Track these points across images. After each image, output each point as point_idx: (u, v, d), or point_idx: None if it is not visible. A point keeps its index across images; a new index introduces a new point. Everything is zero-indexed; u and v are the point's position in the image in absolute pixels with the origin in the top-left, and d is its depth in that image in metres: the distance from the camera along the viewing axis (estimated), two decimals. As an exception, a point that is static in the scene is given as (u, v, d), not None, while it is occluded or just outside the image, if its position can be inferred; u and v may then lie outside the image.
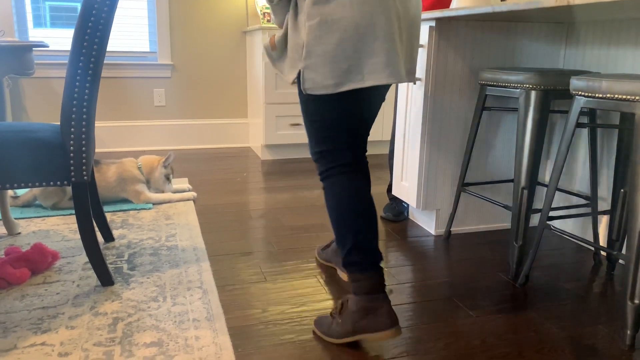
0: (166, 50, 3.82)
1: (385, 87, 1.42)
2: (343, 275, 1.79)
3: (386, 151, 3.90)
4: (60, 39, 3.67)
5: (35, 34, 3.64)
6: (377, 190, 2.92)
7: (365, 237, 1.35)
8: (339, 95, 1.31)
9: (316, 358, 1.35)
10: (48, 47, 1.85)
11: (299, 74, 1.32)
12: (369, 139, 3.89)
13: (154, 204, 2.58)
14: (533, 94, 1.78)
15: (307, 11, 1.25)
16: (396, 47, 1.28)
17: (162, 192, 2.67)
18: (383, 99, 1.45)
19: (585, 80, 1.51)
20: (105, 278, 1.70)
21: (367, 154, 3.98)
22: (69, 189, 2.45)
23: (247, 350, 1.37)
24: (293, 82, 1.35)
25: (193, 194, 2.68)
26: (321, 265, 1.90)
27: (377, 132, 3.81)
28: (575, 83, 1.55)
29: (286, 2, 1.33)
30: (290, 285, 1.75)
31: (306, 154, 3.78)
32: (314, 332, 1.47)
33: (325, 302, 1.64)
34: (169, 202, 2.61)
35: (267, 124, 3.56)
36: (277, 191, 2.88)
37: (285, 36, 1.35)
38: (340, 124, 1.37)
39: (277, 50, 1.37)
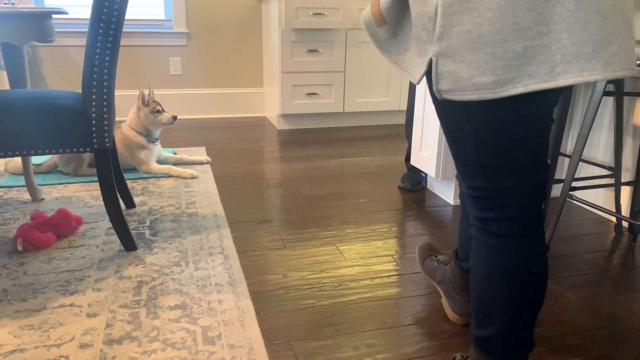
0: (181, 18, 3.78)
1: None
2: (446, 308, 1.27)
3: (402, 121, 3.87)
4: (74, 7, 3.65)
5: (50, 1, 3.62)
6: (395, 160, 2.91)
7: (518, 325, 0.95)
8: (505, 100, 0.78)
9: (336, 322, 1.37)
10: (67, 13, 1.84)
11: (430, 65, 0.82)
12: (385, 108, 3.85)
13: (154, 174, 2.53)
14: (559, 61, 1.73)
15: None
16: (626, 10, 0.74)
17: (163, 123, 2.51)
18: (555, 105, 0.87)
19: (615, 46, 1.47)
20: (129, 243, 1.73)
21: (382, 124, 3.55)
22: (87, 155, 2.47)
23: (269, 314, 1.40)
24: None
25: (192, 172, 2.51)
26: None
27: (394, 101, 3.77)
28: (604, 49, 1.51)
29: None
30: (309, 252, 1.77)
31: (322, 123, 3.76)
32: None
33: (344, 269, 1.66)
34: (168, 174, 2.52)
35: (283, 93, 3.54)
36: (294, 160, 2.88)
37: (400, 1, 0.83)
38: (510, 149, 0.84)
39: (387, 26, 0.85)
